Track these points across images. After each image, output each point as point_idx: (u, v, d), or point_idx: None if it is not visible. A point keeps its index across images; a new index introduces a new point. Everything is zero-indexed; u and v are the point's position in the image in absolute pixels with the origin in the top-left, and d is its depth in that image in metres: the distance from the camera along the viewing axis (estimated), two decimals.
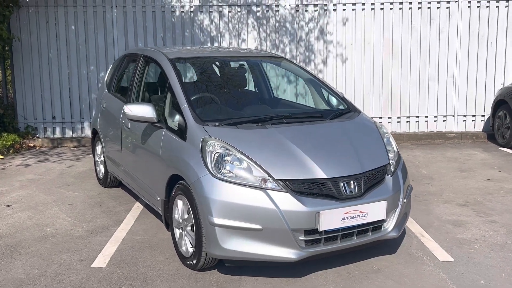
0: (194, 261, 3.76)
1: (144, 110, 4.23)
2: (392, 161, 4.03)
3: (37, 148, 8.99)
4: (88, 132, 9.43)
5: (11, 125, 9.22)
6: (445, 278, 3.70)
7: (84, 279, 3.77)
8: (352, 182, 3.62)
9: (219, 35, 9.36)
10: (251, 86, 5.66)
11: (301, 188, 3.51)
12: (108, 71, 6.38)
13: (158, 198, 4.36)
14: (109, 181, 6.08)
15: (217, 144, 3.68)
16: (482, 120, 9.56)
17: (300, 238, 3.49)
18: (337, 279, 3.70)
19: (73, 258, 4.14)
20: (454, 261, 3.99)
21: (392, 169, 3.96)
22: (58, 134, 9.44)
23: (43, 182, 6.58)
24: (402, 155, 7.88)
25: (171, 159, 4.04)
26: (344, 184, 3.58)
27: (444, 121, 9.56)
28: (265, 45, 9.40)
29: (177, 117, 4.17)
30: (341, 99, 4.79)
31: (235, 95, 4.98)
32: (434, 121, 9.55)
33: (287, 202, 3.44)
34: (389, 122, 9.52)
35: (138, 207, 5.45)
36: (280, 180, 3.50)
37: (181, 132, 4.00)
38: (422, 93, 9.47)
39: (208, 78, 5.01)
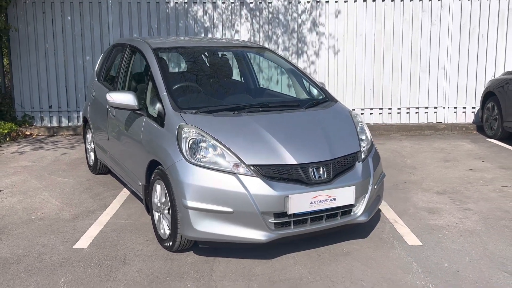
0: (170, 243, 3.92)
1: (125, 98, 4.38)
2: (364, 149, 4.16)
3: (34, 136, 9.17)
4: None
5: (9, 114, 9.40)
6: (411, 261, 3.84)
7: (65, 259, 3.94)
8: (321, 168, 3.76)
9: (212, 26, 9.48)
10: (236, 76, 5.80)
11: (271, 173, 3.66)
12: (99, 61, 6.53)
13: (140, 183, 4.52)
14: (98, 168, 6.25)
15: (192, 131, 3.83)
16: (472, 112, 9.66)
17: (269, 220, 3.64)
18: (307, 261, 3.86)
19: (56, 240, 4.32)
20: (422, 245, 4.13)
21: (363, 156, 4.10)
22: (54, 123, 9.61)
23: (36, 168, 6.75)
24: (391, 146, 8.04)
25: (151, 145, 4.19)
26: (313, 169, 3.73)
27: (434, 112, 9.66)
28: (258, 36, 9.52)
29: (157, 105, 4.32)
30: (320, 89, 4.92)
31: (218, 85, 5.12)
32: (425, 112, 9.66)
33: (257, 186, 3.59)
34: (380, 113, 9.64)
35: (125, 193, 5.62)
36: (251, 165, 3.65)
37: (160, 119, 4.15)
38: (413, 84, 9.57)
39: (191, 68, 5.15)
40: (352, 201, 3.87)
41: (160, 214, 4.12)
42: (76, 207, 5.19)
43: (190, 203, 3.63)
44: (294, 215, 3.69)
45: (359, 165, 4.02)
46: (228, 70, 5.30)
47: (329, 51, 9.51)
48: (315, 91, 5.03)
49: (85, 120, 6.51)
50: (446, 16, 9.37)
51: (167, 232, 4.00)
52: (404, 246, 4.12)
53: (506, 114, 8.00)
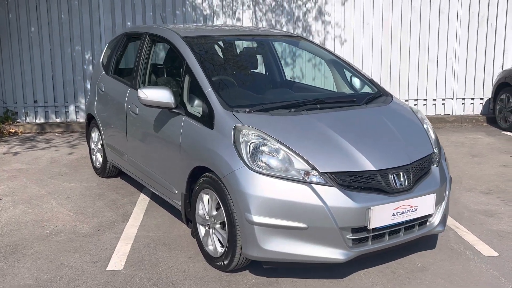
0: (226, 262, 3.39)
1: (161, 95, 3.79)
2: (435, 150, 3.72)
3: (20, 134, 8.40)
4: (73, 116, 8.88)
5: None
6: (497, 275, 3.44)
7: (102, 284, 3.37)
8: (401, 174, 3.30)
9: (212, 14, 8.87)
10: (262, 68, 5.28)
11: (349, 182, 3.17)
12: (104, 52, 5.87)
13: (176, 192, 3.96)
14: (107, 171, 5.62)
15: (252, 133, 3.30)
16: (480, 103, 9.40)
17: (347, 237, 3.16)
18: (383, 279, 3.40)
19: (84, 260, 3.72)
20: (499, 256, 3.74)
21: (437, 159, 3.66)
22: (40, 119, 8.84)
23: (33, 172, 6.07)
24: None
25: (195, 149, 3.64)
26: (393, 176, 3.26)
27: (442, 104, 9.36)
28: (261, 25, 8.96)
29: (199, 102, 3.76)
30: (370, 82, 4.45)
31: (253, 78, 4.58)
32: (433, 104, 9.34)
33: (335, 197, 3.09)
34: None
35: (144, 199, 5.04)
36: (326, 173, 3.15)
37: (207, 119, 3.59)
38: (421, 75, 9.23)
39: (224, 59, 4.59)
40: (432, 211, 3.43)
41: (209, 228, 3.58)
42: (93, 217, 4.58)
43: (256, 218, 3.11)
44: (374, 229, 3.21)
45: (435, 169, 3.58)
46: (271, 62, 4.75)
47: (335, 40, 9.05)
48: (358, 84, 4.55)
49: (90, 117, 5.85)
50: (455, 4, 9.04)
51: (220, 249, 3.47)
52: (480, 258, 3.71)
53: None
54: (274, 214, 3.10)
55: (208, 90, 3.66)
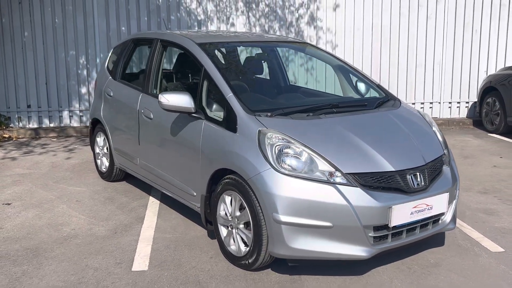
0: (250, 261, 3.51)
1: (182, 100, 3.90)
2: (445, 151, 3.92)
3: (14, 139, 8.35)
4: (67, 121, 8.87)
5: None
6: (507, 270, 3.64)
7: (130, 284, 3.45)
8: (418, 174, 3.48)
9: (207, 19, 8.98)
10: (269, 73, 5.42)
11: (370, 182, 3.34)
12: (109, 57, 5.93)
13: (195, 194, 4.07)
14: (114, 175, 5.68)
15: (276, 136, 3.43)
16: (466, 107, 9.73)
17: (369, 234, 3.32)
18: (400, 275, 3.57)
19: (108, 261, 3.80)
20: (505, 251, 3.95)
21: (448, 160, 3.86)
22: (34, 124, 8.81)
23: (37, 176, 6.08)
24: None
25: (217, 153, 3.75)
26: (411, 176, 3.44)
27: (430, 107, 9.65)
28: (254, 30, 9.11)
29: (219, 107, 3.88)
30: (377, 86, 4.64)
31: (264, 83, 4.72)
32: (421, 107, 9.62)
33: (359, 197, 3.25)
34: None
35: (154, 202, 5.12)
36: (349, 173, 3.31)
37: (229, 123, 3.71)
38: (410, 80, 9.51)
39: (236, 65, 4.72)
40: (445, 209, 3.62)
41: (232, 228, 3.69)
42: (107, 220, 4.65)
43: (284, 218, 3.24)
44: (394, 227, 3.38)
45: (446, 169, 3.78)
46: (276, 68, 4.90)
47: (327, 45, 9.26)
48: (363, 89, 4.73)
49: (95, 122, 5.90)
50: (442, 11, 9.35)
51: (243, 248, 3.59)
52: (488, 253, 3.92)
53: (511, 109, 8.05)
54: (301, 214, 3.24)
55: (230, 95, 3.78)
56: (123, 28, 8.80)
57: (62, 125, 8.87)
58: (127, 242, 4.16)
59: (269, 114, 3.67)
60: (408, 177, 3.43)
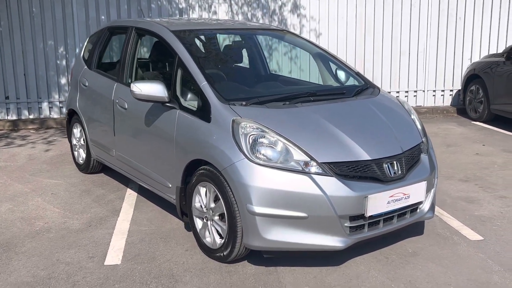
0: (225, 253, 3.44)
1: (155, 89, 3.79)
2: (424, 139, 3.86)
3: None
4: (47, 112, 8.70)
5: None
6: (484, 258, 3.61)
7: (101, 279, 3.37)
8: (395, 163, 3.42)
9: (188, 7, 8.83)
10: (248, 61, 5.32)
11: (346, 171, 3.27)
12: (85, 46, 5.79)
13: (170, 185, 3.98)
14: (91, 167, 5.56)
15: (251, 126, 3.35)
16: (450, 95, 9.70)
17: (345, 224, 3.26)
18: (378, 265, 3.52)
19: (80, 255, 3.70)
20: (484, 239, 3.92)
21: (426, 148, 3.80)
22: (13, 116, 8.63)
23: (13, 169, 5.94)
24: None
25: (191, 143, 3.66)
26: (388, 165, 3.38)
27: (414, 96, 9.61)
28: (237, 18, 8.99)
29: (194, 96, 3.78)
30: (356, 74, 4.56)
31: (243, 71, 4.63)
32: (405, 96, 9.57)
33: (334, 187, 3.19)
34: None
35: (131, 194, 5.02)
36: (324, 163, 3.24)
37: (203, 113, 3.61)
38: (394, 68, 9.45)
39: (214, 53, 4.62)
40: (423, 198, 3.57)
41: (207, 220, 3.61)
42: (82, 213, 4.54)
43: (258, 209, 3.17)
44: (370, 217, 3.32)
45: (424, 158, 3.72)
46: (256, 56, 4.80)
47: (310, 33, 9.16)
48: (343, 77, 4.65)
49: (71, 113, 5.77)
50: None
51: (218, 241, 3.52)
52: (467, 242, 3.88)
53: (494, 97, 8.03)
54: (275, 205, 3.17)
55: (204, 84, 3.69)
56: (102, 17, 8.62)
57: (41, 116, 8.70)
58: (101, 235, 4.07)
59: (244, 103, 3.58)
60: (385, 165, 3.37)
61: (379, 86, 9.28)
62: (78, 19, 8.55)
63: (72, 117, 5.77)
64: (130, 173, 4.66)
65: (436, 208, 4.55)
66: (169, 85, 3.94)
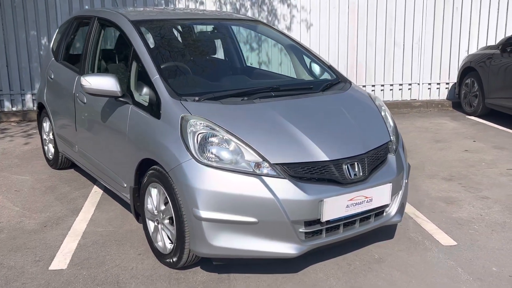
0: (175, 259, 3.23)
1: (106, 83, 3.57)
2: (393, 138, 3.61)
3: None
4: (30, 104, 8.51)
5: None
6: (454, 266, 3.37)
7: (42, 285, 3.17)
8: (356, 164, 3.17)
9: None
10: (221, 54, 5.07)
11: (301, 173, 3.03)
12: (54, 37, 5.58)
13: (125, 185, 3.77)
14: (60, 162, 5.37)
15: (200, 123, 3.12)
16: (446, 88, 9.38)
17: (300, 230, 3.02)
18: (338, 272, 3.29)
19: (26, 259, 3.51)
20: (457, 245, 3.67)
21: (394, 147, 3.55)
22: None
23: None
24: None
25: (142, 141, 3.44)
26: (347, 166, 3.13)
27: (409, 89, 9.30)
28: (225, 8, 8.72)
29: (147, 90, 3.55)
30: (329, 68, 4.30)
31: (208, 64, 4.39)
32: (399, 89, 9.27)
33: (286, 190, 2.95)
34: None
35: (97, 192, 4.82)
36: (277, 164, 3.00)
37: (153, 108, 3.39)
38: (388, 60, 9.13)
39: (176, 45, 4.37)
40: (388, 201, 3.32)
41: (158, 223, 3.40)
42: (41, 212, 4.35)
43: (204, 214, 2.94)
44: (327, 221, 3.09)
45: (392, 158, 3.47)
46: (215, 47, 4.55)
47: (301, 24, 8.87)
48: (317, 70, 4.40)
49: (41, 106, 5.57)
50: None
51: (169, 245, 3.30)
52: (439, 247, 3.63)
53: (489, 91, 7.72)
54: (223, 209, 2.94)
55: (155, 77, 3.46)
56: (86, 7, 8.39)
57: (25, 108, 8.51)
58: (54, 237, 3.87)
59: (196, 98, 3.35)
60: (344, 167, 3.12)
61: (373, 78, 9.05)
62: (61, 10, 8.32)
63: (42, 110, 5.57)
64: (90, 170, 4.46)
65: (412, 209, 4.32)
66: (125, 79, 3.72)
